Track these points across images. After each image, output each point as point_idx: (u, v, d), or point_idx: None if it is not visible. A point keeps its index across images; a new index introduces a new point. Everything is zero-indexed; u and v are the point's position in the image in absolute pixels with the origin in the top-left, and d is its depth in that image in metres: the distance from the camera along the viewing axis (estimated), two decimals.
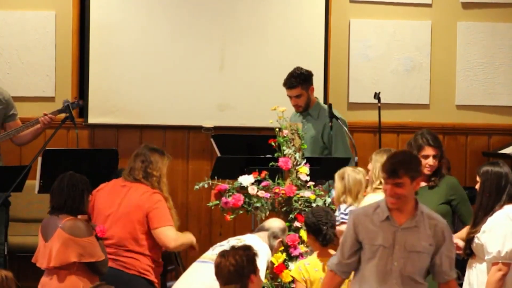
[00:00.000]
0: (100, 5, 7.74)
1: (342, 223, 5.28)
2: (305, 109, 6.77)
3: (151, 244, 5.50)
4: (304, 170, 5.83)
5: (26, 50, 7.76)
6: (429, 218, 4.42)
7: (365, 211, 4.47)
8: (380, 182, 5.18)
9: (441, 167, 5.56)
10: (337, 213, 5.41)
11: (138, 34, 7.77)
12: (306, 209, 5.66)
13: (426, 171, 5.51)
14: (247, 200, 5.76)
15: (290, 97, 6.76)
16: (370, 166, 5.45)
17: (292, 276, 5.10)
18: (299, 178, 5.80)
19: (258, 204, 5.71)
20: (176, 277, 5.69)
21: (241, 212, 5.79)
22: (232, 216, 5.82)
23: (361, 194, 5.43)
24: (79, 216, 5.22)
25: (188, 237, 5.65)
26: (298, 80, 6.72)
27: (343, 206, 5.42)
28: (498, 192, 4.93)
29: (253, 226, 6.17)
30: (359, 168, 5.57)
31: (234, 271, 4.21)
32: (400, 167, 4.30)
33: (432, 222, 4.42)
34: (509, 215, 4.88)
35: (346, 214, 5.35)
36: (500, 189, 4.93)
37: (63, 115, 6.47)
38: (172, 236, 5.47)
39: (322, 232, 5.07)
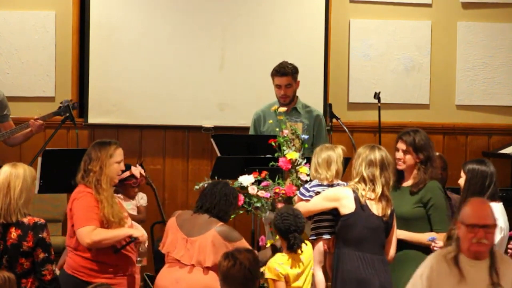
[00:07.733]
0: (100, 5, 7.74)
1: (301, 199, 5.37)
2: (289, 102, 6.72)
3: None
4: (304, 170, 5.82)
5: (26, 50, 7.76)
6: None
7: None
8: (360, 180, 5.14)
9: (426, 173, 5.35)
10: (307, 185, 5.45)
11: (138, 34, 7.77)
12: None
13: (398, 165, 5.42)
14: (247, 200, 5.76)
15: (278, 86, 6.69)
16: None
17: (272, 279, 5.06)
18: (299, 178, 5.79)
19: (258, 204, 5.70)
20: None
21: (241, 212, 5.78)
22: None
23: (334, 166, 5.38)
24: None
25: (114, 232, 5.17)
26: (291, 68, 6.70)
27: (314, 182, 5.43)
28: (481, 190, 5.01)
29: (253, 226, 6.18)
30: (339, 146, 5.52)
31: None
32: None
33: None
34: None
35: (308, 191, 5.36)
36: (484, 188, 5.02)
37: (59, 117, 6.48)
38: (84, 233, 5.11)
39: (289, 240, 5.07)
